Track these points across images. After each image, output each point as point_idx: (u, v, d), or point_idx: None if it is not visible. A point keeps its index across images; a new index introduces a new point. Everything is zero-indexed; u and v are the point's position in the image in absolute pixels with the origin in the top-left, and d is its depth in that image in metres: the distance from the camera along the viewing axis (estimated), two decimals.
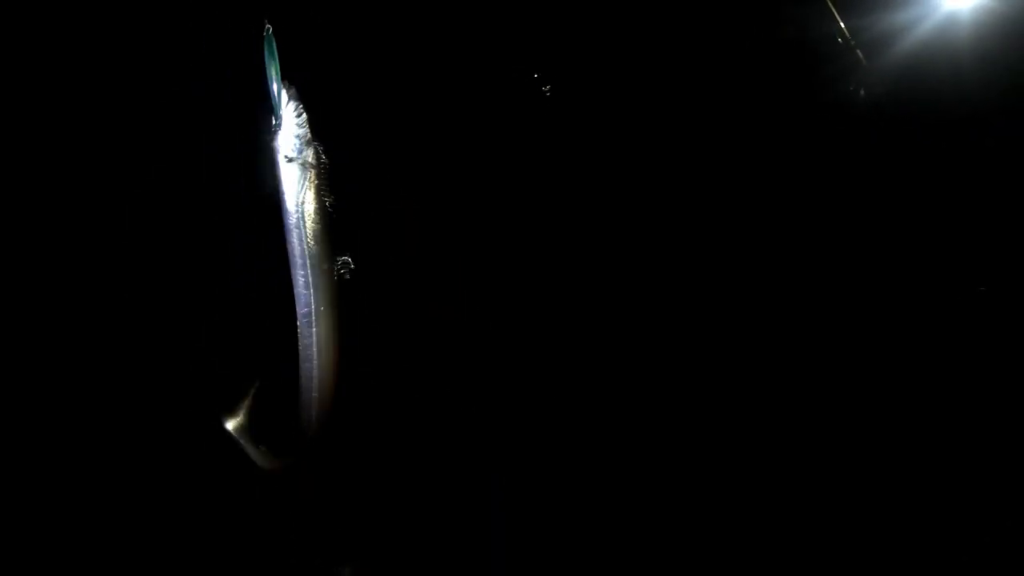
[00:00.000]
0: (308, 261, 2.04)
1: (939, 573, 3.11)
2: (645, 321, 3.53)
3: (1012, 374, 3.29)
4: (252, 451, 2.31)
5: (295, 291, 2.04)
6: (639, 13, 3.23)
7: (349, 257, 2.14)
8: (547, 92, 3.26)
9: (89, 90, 2.58)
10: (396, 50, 2.94)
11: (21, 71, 2.49)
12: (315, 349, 2.11)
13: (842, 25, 3.08)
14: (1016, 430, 3.23)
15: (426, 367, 3.16)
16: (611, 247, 3.52)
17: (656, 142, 3.46)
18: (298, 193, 1.97)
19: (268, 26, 1.83)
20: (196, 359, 2.80)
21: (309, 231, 2.02)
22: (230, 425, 2.34)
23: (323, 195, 2.02)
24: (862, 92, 3.29)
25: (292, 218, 1.98)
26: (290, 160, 1.93)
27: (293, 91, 1.88)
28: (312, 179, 1.99)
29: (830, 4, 3.03)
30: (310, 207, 2.00)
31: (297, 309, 2.04)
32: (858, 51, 3.13)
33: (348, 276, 2.14)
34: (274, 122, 1.88)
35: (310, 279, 2.06)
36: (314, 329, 2.10)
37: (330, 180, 2.01)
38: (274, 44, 1.83)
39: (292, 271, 2.05)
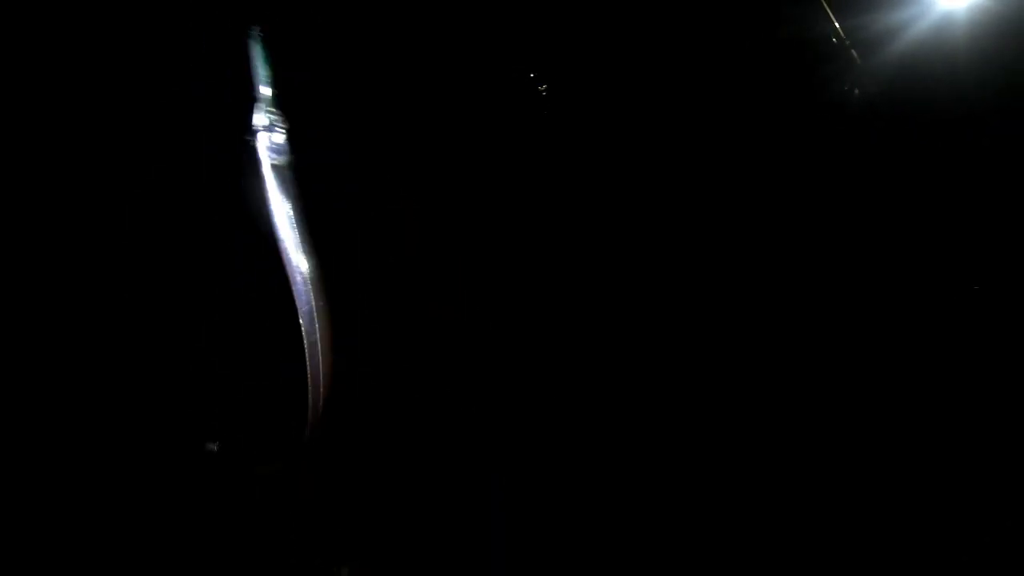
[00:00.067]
0: (297, 265, 2.07)
1: (939, 573, 3.10)
2: (645, 321, 3.54)
3: (1011, 374, 3.29)
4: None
5: (294, 289, 2.06)
6: (633, 13, 3.24)
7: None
8: (543, 91, 3.27)
9: (89, 90, 2.59)
10: (396, 51, 2.95)
11: (21, 71, 2.50)
12: (314, 347, 2.13)
13: (836, 25, 3.09)
14: (1016, 430, 3.23)
15: (426, 367, 3.17)
16: (610, 247, 3.53)
17: (651, 142, 3.47)
18: (281, 195, 1.99)
19: (256, 27, 1.85)
20: (196, 359, 2.80)
21: (292, 233, 2.04)
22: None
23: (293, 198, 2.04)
24: (856, 92, 3.30)
25: (277, 219, 2.00)
26: (274, 163, 1.95)
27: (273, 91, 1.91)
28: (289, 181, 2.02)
29: (824, 4, 3.05)
30: (285, 209, 2.03)
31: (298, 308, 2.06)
32: (853, 51, 3.14)
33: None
34: (261, 123, 1.90)
35: (299, 279, 2.08)
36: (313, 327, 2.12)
37: (299, 184, 2.03)
38: (262, 45, 1.85)
39: (288, 272, 2.07)
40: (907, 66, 3.10)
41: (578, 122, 3.46)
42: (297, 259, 2.06)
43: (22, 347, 2.60)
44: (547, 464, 3.29)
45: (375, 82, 2.90)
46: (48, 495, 2.58)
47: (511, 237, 3.43)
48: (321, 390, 2.12)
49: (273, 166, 1.94)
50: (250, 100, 1.94)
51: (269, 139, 1.92)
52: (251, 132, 1.90)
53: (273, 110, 1.90)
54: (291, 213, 1.98)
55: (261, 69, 1.88)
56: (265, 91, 1.88)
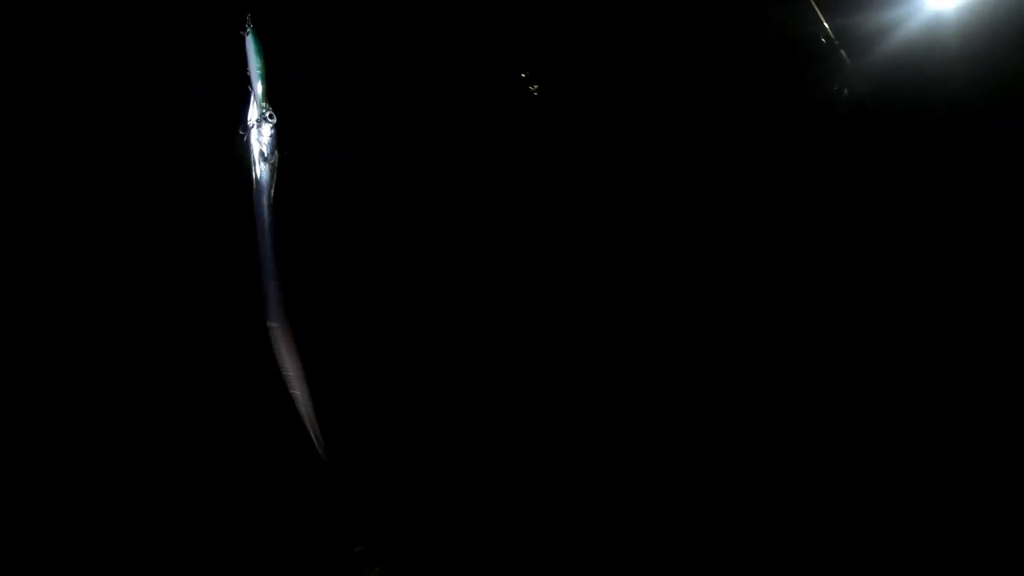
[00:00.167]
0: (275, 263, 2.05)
1: (939, 573, 3.09)
2: (644, 320, 3.55)
3: (1011, 374, 3.30)
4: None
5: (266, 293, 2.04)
6: (626, 15, 3.27)
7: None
8: (535, 91, 3.29)
9: (89, 90, 2.61)
10: (396, 51, 2.98)
11: (21, 72, 2.51)
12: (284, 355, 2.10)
13: (826, 25, 3.12)
14: (1016, 430, 3.23)
15: (426, 367, 3.17)
16: (608, 246, 3.54)
17: (644, 142, 3.49)
18: (270, 192, 2.00)
19: (249, 25, 1.86)
20: (196, 359, 2.80)
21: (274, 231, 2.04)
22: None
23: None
24: (846, 92, 3.33)
25: (265, 220, 2.00)
26: (265, 160, 1.96)
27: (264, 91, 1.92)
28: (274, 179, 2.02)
29: (814, 5, 3.08)
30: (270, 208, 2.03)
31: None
32: (842, 51, 3.17)
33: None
34: (254, 121, 1.92)
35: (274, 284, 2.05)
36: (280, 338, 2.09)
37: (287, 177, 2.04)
38: (257, 43, 1.87)
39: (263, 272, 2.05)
40: (897, 66, 3.13)
41: (573, 122, 3.47)
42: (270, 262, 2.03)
43: (23, 345, 2.61)
44: (546, 464, 3.28)
45: (375, 82, 2.92)
46: (48, 495, 2.57)
47: (510, 237, 3.44)
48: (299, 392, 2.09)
49: (263, 160, 1.95)
50: (243, 95, 1.96)
51: (260, 134, 1.93)
52: (244, 127, 1.92)
53: (265, 105, 1.91)
54: (272, 205, 1.98)
55: (254, 64, 1.89)
56: (257, 86, 1.90)
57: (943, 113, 3.20)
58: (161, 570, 2.66)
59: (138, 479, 2.70)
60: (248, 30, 1.90)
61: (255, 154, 1.95)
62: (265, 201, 1.98)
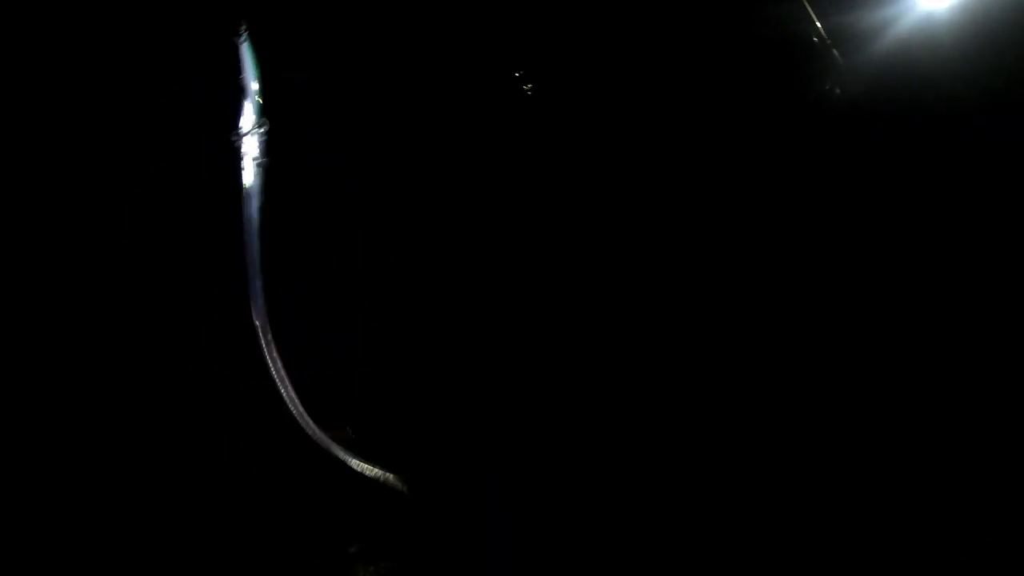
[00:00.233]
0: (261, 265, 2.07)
1: (939, 573, 3.09)
2: (643, 320, 3.55)
3: (1010, 374, 3.30)
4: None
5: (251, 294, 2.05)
6: (618, 14, 3.27)
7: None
8: (528, 91, 3.29)
9: (88, 90, 2.61)
10: (395, 51, 2.99)
11: (21, 72, 2.52)
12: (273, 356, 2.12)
13: (819, 25, 3.13)
14: (1016, 430, 3.23)
15: (426, 367, 3.17)
16: (605, 246, 3.54)
17: (639, 142, 3.49)
18: (260, 195, 2.02)
19: (244, 32, 1.88)
20: (196, 359, 2.81)
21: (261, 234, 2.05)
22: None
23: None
24: (838, 91, 3.33)
25: (254, 222, 2.02)
26: (258, 164, 1.98)
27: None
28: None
29: (806, 4, 3.09)
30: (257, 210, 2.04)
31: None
32: (835, 50, 3.18)
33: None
34: (247, 127, 1.93)
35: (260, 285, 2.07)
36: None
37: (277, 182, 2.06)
38: (252, 50, 1.88)
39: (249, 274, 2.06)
40: (890, 66, 3.13)
41: (567, 121, 3.48)
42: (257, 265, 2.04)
43: (23, 345, 2.61)
44: (546, 464, 3.28)
45: (374, 82, 2.93)
46: (49, 493, 2.58)
47: (510, 237, 3.44)
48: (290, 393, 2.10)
49: (255, 165, 1.97)
50: (240, 98, 1.97)
51: (252, 140, 1.95)
52: (236, 133, 1.94)
53: (259, 111, 1.93)
54: (259, 209, 2.00)
55: (249, 71, 1.90)
56: (252, 91, 1.91)
57: (936, 112, 3.20)
58: (161, 570, 2.66)
59: (138, 479, 2.70)
60: (243, 36, 1.92)
61: (247, 160, 1.97)
62: (255, 205, 2.01)
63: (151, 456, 2.74)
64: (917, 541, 3.13)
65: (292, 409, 2.21)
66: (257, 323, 2.08)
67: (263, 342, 2.08)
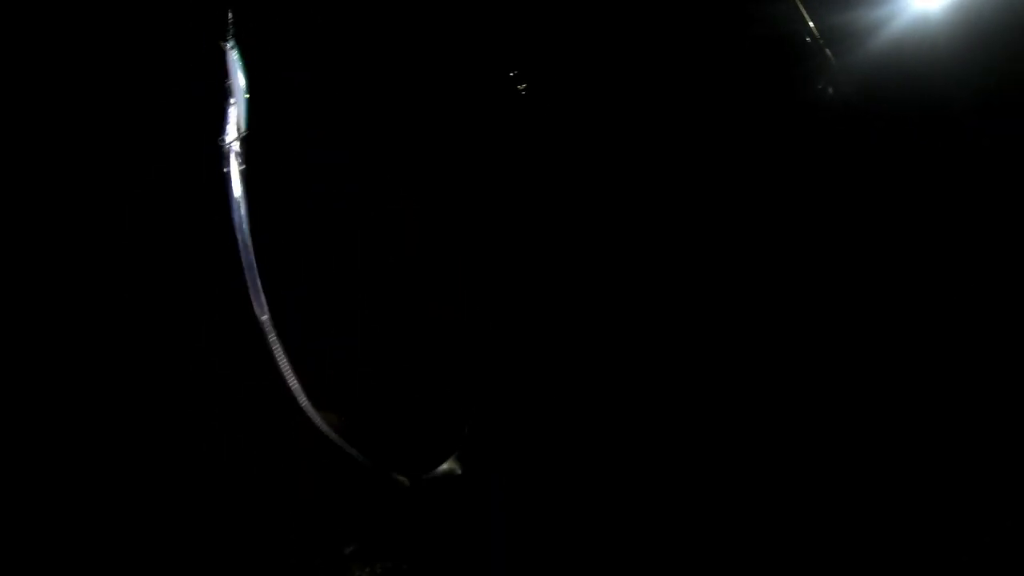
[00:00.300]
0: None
1: (939, 573, 3.09)
2: (643, 320, 3.55)
3: (1010, 374, 3.30)
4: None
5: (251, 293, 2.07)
6: (613, 14, 3.29)
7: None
8: (523, 91, 3.30)
9: (88, 90, 2.62)
10: (395, 52, 3.00)
11: (22, 72, 2.53)
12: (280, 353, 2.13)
13: (811, 24, 3.14)
14: (1016, 430, 3.24)
15: (426, 367, 3.17)
16: (605, 245, 3.55)
17: (634, 142, 3.51)
18: (244, 200, 2.03)
19: (231, 35, 1.88)
20: (196, 359, 2.80)
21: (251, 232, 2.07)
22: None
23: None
24: (832, 91, 3.35)
25: (243, 221, 2.03)
26: (241, 169, 2.00)
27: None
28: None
29: (799, 4, 3.10)
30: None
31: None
32: (828, 50, 3.19)
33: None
34: (233, 131, 1.94)
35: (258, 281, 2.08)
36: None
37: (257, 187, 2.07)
38: (240, 55, 1.89)
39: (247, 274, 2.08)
40: (883, 66, 3.15)
41: (563, 120, 3.49)
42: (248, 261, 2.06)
43: (23, 345, 2.61)
44: (546, 464, 3.28)
45: (374, 82, 2.94)
46: (50, 494, 2.57)
47: (510, 237, 3.45)
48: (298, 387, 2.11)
49: (239, 169, 1.98)
50: (224, 105, 1.98)
51: (237, 145, 1.97)
52: (222, 138, 1.95)
53: (244, 115, 1.94)
54: (246, 214, 2.01)
55: (236, 77, 1.91)
56: (239, 98, 1.92)
57: (929, 112, 3.22)
58: (161, 570, 2.65)
59: (138, 479, 2.70)
60: (230, 42, 1.92)
61: (232, 165, 1.99)
62: (243, 211, 2.02)
63: (151, 456, 2.73)
64: (917, 541, 3.13)
65: (299, 401, 2.21)
66: (262, 319, 2.08)
67: (268, 336, 2.09)
